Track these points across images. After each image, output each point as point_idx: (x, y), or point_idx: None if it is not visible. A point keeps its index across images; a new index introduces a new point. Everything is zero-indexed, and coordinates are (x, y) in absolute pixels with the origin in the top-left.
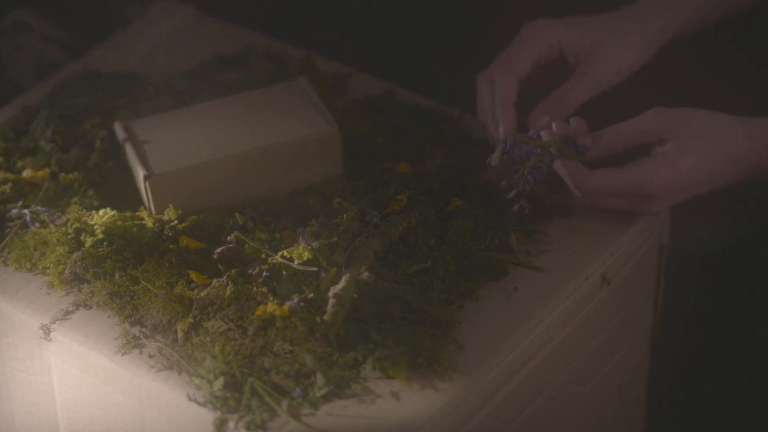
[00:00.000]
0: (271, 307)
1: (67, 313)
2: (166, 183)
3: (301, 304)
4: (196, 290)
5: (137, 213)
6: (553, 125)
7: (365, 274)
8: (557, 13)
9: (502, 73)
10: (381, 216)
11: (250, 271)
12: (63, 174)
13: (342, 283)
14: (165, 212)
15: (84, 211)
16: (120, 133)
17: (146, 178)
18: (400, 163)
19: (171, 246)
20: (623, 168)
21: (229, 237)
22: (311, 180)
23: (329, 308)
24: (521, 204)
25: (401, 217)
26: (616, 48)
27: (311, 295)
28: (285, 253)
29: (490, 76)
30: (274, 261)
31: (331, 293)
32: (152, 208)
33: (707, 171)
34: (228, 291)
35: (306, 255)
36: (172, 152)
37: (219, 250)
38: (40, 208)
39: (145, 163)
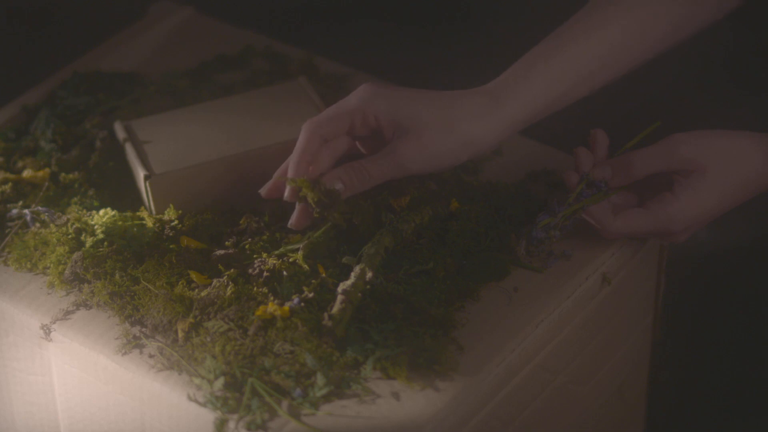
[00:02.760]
0: (272, 307)
1: (67, 313)
2: (167, 183)
3: (302, 304)
4: (197, 290)
5: (137, 213)
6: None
7: (369, 274)
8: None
9: (308, 130)
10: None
11: (250, 271)
12: (63, 174)
13: (351, 279)
14: (165, 212)
15: (84, 211)
16: (120, 133)
17: (146, 178)
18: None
19: (172, 246)
20: (647, 209)
21: (227, 242)
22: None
23: (337, 304)
24: (551, 233)
25: (413, 214)
26: (433, 135)
27: (311, 295)
28: (290, 256)
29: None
30: (274, 262)
31: (339, 289)
32: (152, 208)
33: (730, 199)
34: (228, 291)
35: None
36: (172, 152)
37: (218, 253)
38: (40, 208)
39: (145, 163)
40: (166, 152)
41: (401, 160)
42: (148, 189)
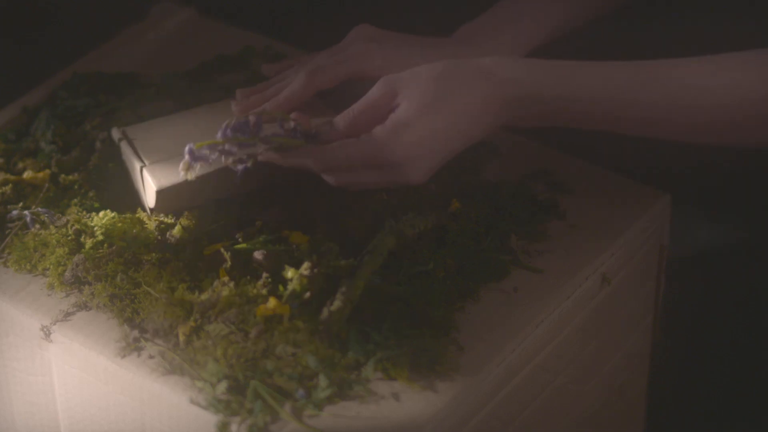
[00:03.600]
0: (273, 302)
1: (67, 314)
2: (169, 196)
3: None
4: (197, 294)
5: (137, 215)
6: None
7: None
8: None
9: (306, 82)
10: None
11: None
12: (63, 175)
13: (352, 279)
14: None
15: (84, 212)
16: (116, 136)
17: (158, 192)
18: None
19: (169, 254)
20: (360, 138)
21: (226, 254)
22: None
23: (336, 302)
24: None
25: (417, 219)
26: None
27: (307, 294)
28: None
29: (304, 68)
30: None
31: (342, 287)
32: (156, 211)
33: (448, 120)
34: (228, 293)
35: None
36: (172, 163)
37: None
38: (40, 209)
39: (153, 178)
40: (166, 163)
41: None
42: (157, 200)
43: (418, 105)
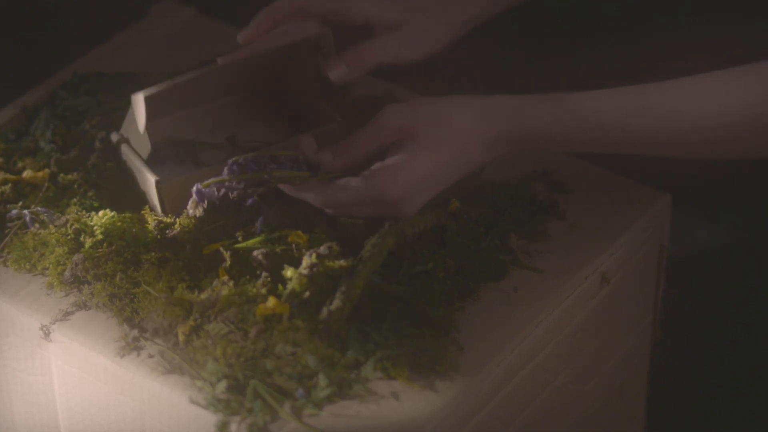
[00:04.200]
0: (272, 302)
1: (67, 314)
2: (177, 188)
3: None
4: (197, 293)
5: (137, 214)
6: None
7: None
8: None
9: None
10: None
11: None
12: (62, 175)
13: (352, 278)
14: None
15: (83, 212)
16: (116, 142)
17: (158, 183)
18: None
19: (169, 254)
20: (361, 177)
21: (226, 254)
22: None
23: (335, 301)
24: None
25: (417, 219)
26: (420, 28)
27: (307, 294)
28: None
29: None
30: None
31: (342, 286)
32: (164, 212)
33: (447, 161)
34: (228, 292)
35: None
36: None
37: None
38: (39, 208)
39: (155, 170)
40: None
41: (396, 48)
42: (161, 194)
43: (420, 145)
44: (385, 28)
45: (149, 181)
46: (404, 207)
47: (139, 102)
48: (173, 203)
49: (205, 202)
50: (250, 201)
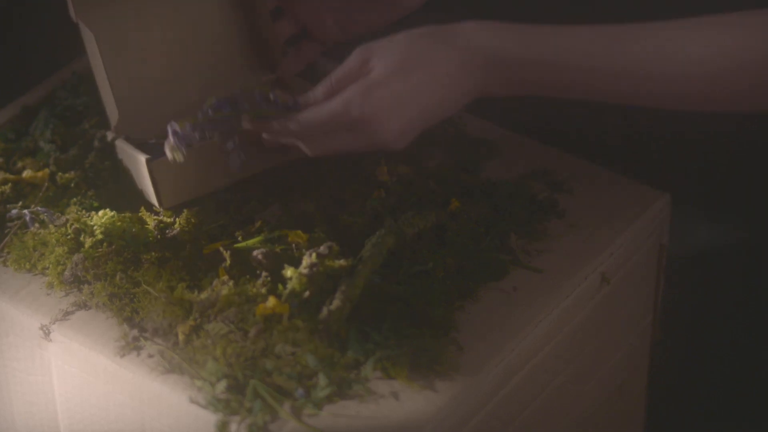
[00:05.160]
0: (272, 302)
1: (67, 314)
2: (170, 168)
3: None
4: (196, 293)
5: (137, 214)
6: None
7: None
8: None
9: None
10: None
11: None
12: (60, 174)
13: (352, 278)
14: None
15: (83, 211)
16: (111, 139)
17: (149, 162)
18: (399, 164)
19: (169, 254)
20: (331, 99)
21: (226, 254)
22: None
23: (335, 301)
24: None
25: (417, 218)
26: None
27: (307, 294)
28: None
29: None
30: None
31: (342, 286)
32: (160, 199)
33: (420, 82)
34: (228, 292)
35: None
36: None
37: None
38: (39, 208)
39: (145, 150)
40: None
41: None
42: (153, 175)
43: (390, 64)
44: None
45: (141, 162)
46: (380, 128)
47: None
48: (169, 186)
49: (184, 147)
50: (230, 144)
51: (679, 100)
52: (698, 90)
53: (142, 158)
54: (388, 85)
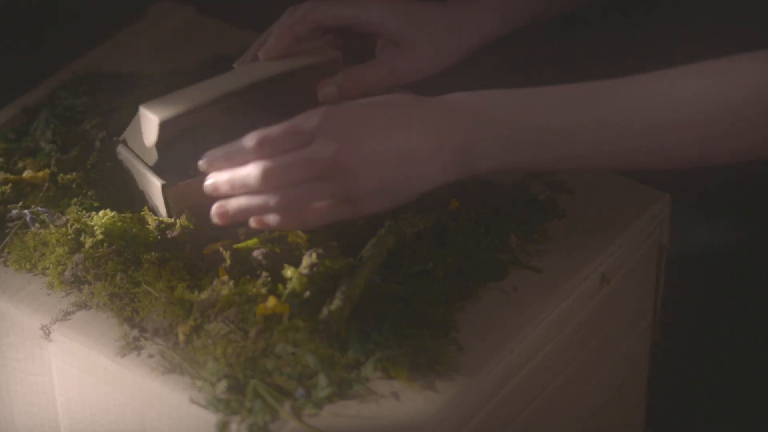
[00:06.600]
0: (272, 302)
1: (67, 314)
2: (183, 192)
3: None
4: (197, 293)
5: (137, 214)
6: None
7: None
8: None
9: (308, 14)
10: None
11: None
12: (61, 174)
13: (352, 278)
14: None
15: (84, 211)
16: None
17: (164, 187)
18: None
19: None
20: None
21: (225, 253)
22: None
23: (336, 301)
24: None
25: (417, 219)
26: (426, 48)
27: (307, 294)
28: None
29: (299, 11)
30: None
31: (342, 286)
32: (170, 215)
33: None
34: (228, 292)
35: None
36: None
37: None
38: (40, 208)
39: (159, 172)
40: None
41: (398, 69)
42: (168, 199)
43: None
44: (390, 41)
45: (154, 185)
46: (358, 180)
47: (151, 122)
48: (180, 207)
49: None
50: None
51: (676, 151)
52: (695, 138)
53: (157, 183)
54: (352, 111)
